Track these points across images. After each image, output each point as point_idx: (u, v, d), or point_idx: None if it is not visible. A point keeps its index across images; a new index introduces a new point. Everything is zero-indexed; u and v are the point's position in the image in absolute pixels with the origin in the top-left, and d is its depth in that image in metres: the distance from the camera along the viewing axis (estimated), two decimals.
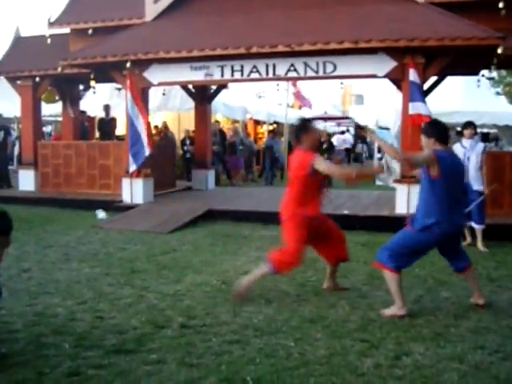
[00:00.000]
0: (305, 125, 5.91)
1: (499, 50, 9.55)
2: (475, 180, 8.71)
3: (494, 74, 18.34)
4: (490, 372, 4.13)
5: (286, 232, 5.81)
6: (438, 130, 5.40)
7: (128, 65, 11.32)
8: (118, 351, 4.43)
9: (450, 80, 14.50)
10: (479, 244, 8.65)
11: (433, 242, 5.38)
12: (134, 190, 11.88)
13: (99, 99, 16.99)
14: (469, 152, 8.71)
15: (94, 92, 13.75)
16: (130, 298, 5.88)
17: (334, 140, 25.80)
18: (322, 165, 5.67)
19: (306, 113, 26.78)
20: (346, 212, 10.43)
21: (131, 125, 11.47)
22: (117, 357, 4.32)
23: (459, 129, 22.17)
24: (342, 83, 13.34)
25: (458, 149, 8.73)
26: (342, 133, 28.05)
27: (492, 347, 4.59)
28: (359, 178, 5.91)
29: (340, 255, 6.13)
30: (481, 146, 8.98)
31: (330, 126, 30.50)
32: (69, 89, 14.77)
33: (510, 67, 19.67)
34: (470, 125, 8.92)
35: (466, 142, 8.84)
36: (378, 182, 18.43)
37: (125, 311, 5.45)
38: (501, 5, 10.47)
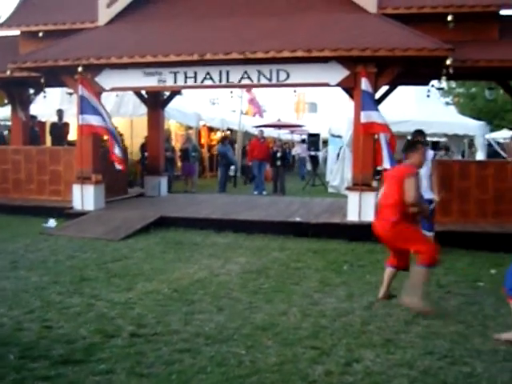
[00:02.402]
0: (413, 144, 6.27)
1: (448, 62, 9.76)
2: (425, 189, 8.79)
3: (444, 84, 18.78)
4: (439, 377, 4.21)
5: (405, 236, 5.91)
6: None
7: (80, 69, 11.13)
8: (65, 362, 4.34)
9: (401, 90, 14.76)
10: None
11: None
12: (84, 197, 11.67)
13: (50, 104, 16.68)
14: None
15: (45, 96, 13.48)
16: (79, 307, 5.77)
17: (298, 148, 26.44)
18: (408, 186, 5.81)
19: (258, 121, 26.99)
20: (298, 219, 10.48)
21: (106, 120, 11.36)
22: (64, 368, 4.24)
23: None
24: (295, 91, 13.41)
25: None
26: (303, 141, 28.51)
27: (441, 352, 4.68)
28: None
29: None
30: (431, 153, 9.01)
31: (284, 134, 30.75)
32: (18, 92, 14.42)
33: (458, 78, 20.26)
34: (419, 133, 8.97)
35: None
36: (331, 190, 18.68)
37: (73, 320, 5.35)
38: (449, 18, 10.79)
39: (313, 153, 24.92)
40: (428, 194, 8.76)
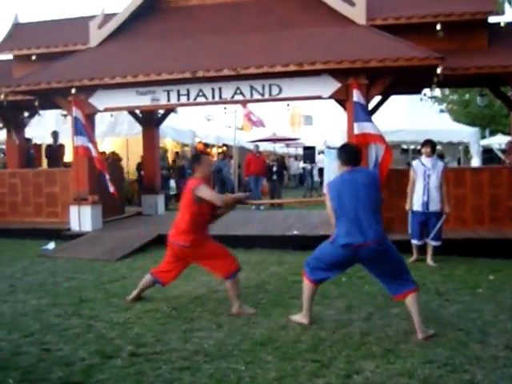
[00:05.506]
0: (198, 157, 6.76)
1: (438, 70, 9.84)
2: (434, 201, 8.68)
3: (436, 92, 18.89)
4: None
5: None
6: (341, 154, 5.70)
7: (73, 91, 11.18)
8: None
9: (394, 99, 14.82)
10: (429, 259, 8.78)
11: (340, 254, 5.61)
12: (82, 218, 11.68)
13: (45, 126, 16.73)
14: (429, 171, 8.70)
15: (39, 115, 13.44)
16: (78, 329, 5.76)
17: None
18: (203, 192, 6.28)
19: (258, 133, 27.05)
20: (295, 232, 10.49)
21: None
22: None
23: (405, 146, 22.81)
24: (288, 105, 13.44)
25: (418, 166, 8.82)
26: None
27: (441, 361, 4.67)
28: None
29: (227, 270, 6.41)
30: (441, 165, 8.95)
31: (280, 148, 30.82)
32: (13, 116, 14.46)
33: (450, 86, 20.38)
34: (427, 143, 8.91)
35: (425, 160, 8.83)
36: None
37: (72, 342, 5.33)
38: (438, 27, 10.88)
39: (309, 165, 25.16)
40: (436, 206, 8.70)
